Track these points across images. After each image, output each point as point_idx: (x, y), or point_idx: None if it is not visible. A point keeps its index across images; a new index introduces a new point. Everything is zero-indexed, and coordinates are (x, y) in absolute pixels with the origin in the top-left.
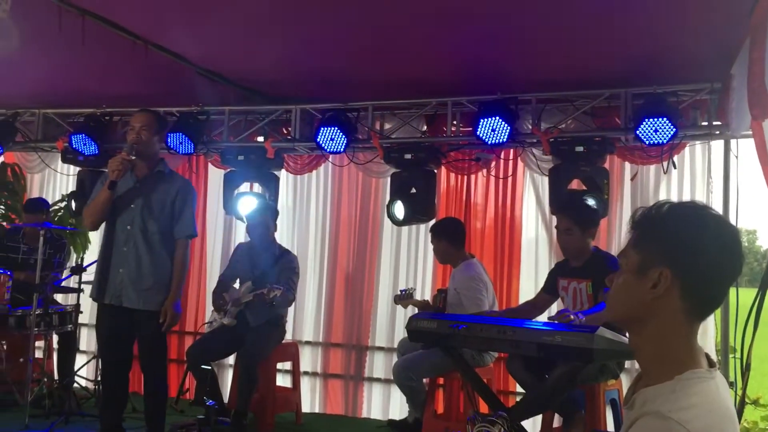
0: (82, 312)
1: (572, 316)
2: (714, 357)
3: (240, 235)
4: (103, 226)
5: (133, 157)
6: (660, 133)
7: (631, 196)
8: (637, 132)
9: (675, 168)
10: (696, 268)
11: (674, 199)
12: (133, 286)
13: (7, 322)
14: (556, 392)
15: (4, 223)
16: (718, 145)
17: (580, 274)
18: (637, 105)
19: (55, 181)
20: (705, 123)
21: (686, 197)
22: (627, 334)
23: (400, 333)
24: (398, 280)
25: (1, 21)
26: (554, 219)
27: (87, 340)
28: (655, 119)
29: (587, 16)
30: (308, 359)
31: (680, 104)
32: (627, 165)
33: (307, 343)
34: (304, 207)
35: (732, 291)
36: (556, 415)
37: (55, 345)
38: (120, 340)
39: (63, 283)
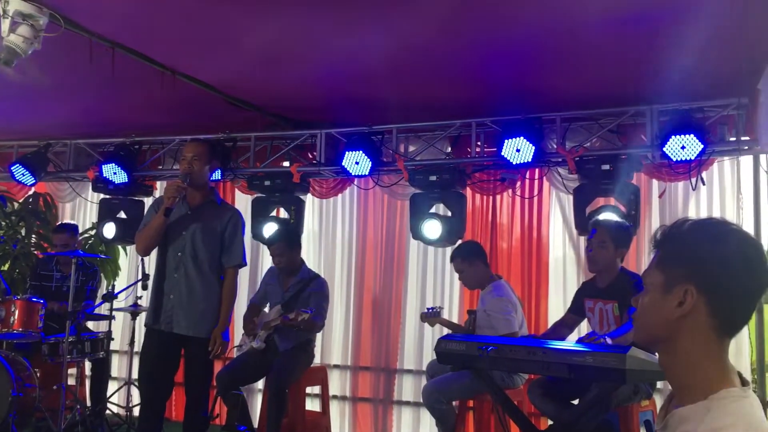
0: (113, 339)
1: (601, 339)
2: (749, 376)
3: (267, 260)
4: (155, 253)
5: (187, 185)
6: (687, 150)
7: (660, 214)
8: (664, 149)
9: (704, 185)
10: (721, 283)
11: (704, 216)
12: (183, 313)
13: (40, 349)
14: (591, 415)
15: (37, 252)
16: (747, 161)
17: (606, 295)
18: (663, 122)
19: (86, 209)
20: (733, 139)
21: (716, 214)
22: (656, 354)
23: (429, 355)
24: (425, 302)
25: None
26: (581, 238)
27: (119, 366)
28: (682, 136)
29: (611, 35)
30: (337, 383)
31: (707, 120)
32: (654, 182)
33: (336, 366)
34: (330, 230)
35: (766, 308)
36: None
37: (87, 372)
38: (165, 366)
39: (95, 311)
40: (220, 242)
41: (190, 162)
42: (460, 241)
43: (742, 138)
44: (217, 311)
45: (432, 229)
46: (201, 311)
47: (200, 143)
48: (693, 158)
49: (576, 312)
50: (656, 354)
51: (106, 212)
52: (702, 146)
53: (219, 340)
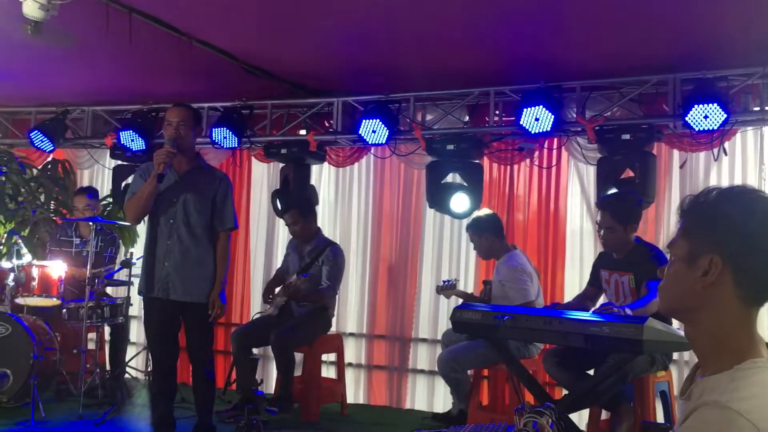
0: (132, 304)
1: (616, 309)
2: None
3: (282, 230)
4: (146, 221)
5: (175, 151)
6: (710, 120)
7: (680, 185)
8: (686, 119)
9: (726, 155)
10: (747, 252)
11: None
12: (179, 279)
13: (60, 314)
14: (607, 386)
15: (56, 218)
16: None
17: (622, 266)
18: (686, 91)
19: (104, 176)
20: (757, 108)
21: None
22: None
23: (444, 324)
24: (441, 271)
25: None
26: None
27: (137, 331)
28: (705, 105)
29: (633, 2)
30: (352, 351)
31: (731, 89)
32: (675, 152)
33: (351, 334)
34: (346, 199)
35: None
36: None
37: (107, 337)
38: (168, 333)
39: (113, 276)
40: (212, 207)
41: (176, 127)
42: (476, 212)
43: (766, 108)
44: (213, 276)
45: (460, 202)
46: (197, 277)
47: (184, 108)
48: (716, 128)
49: (595, 284)
50: (672, 324)
51: (120, 179)
52: (725, 116)
53: (217, 302)
